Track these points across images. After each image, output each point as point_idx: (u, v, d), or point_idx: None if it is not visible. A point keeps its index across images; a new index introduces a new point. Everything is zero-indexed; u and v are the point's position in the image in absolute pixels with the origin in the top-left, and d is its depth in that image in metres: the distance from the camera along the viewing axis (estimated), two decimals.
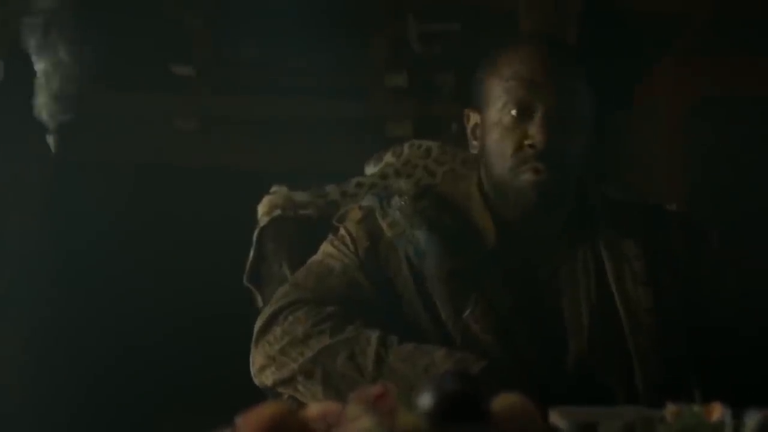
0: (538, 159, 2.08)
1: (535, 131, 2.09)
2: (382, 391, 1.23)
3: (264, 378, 2.11)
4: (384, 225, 2.20)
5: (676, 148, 3.44)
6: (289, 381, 2.07)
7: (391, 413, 1.17)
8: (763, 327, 2.24)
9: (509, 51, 2.17)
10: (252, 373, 2.13)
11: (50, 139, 3.23)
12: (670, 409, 1.47)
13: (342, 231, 2.23)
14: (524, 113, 2.11)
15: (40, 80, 3.15)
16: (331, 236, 2.26)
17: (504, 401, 1.27)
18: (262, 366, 2.10)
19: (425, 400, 1.20)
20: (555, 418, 1.56)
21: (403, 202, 2.21)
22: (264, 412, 1.21)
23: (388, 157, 2.62)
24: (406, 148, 2.62)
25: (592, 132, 2.17)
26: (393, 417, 1.16)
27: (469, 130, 2.26)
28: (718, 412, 1.43)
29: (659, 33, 3.43)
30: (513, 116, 2.11)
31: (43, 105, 3.18)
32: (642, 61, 3.41)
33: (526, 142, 2.10)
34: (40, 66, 3.15)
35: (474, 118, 2.23)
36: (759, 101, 3.40)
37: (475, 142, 2.23)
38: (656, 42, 3.42)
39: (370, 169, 2.64)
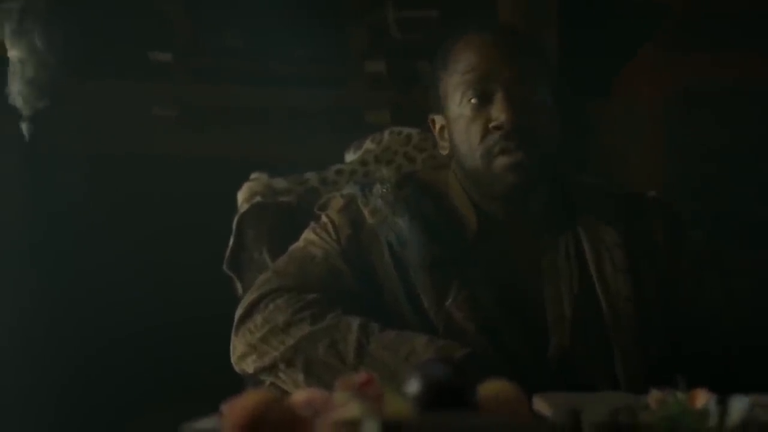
0: (506, 139, 2.09)
1: (498, 112, 2.09)
2: (367, 378, 1.23)
3: (245, 366, 2.10)
4: (366, 212, 2.20)
5: (657, 140, 3.44)
6: (270, 369, 2.07)
7: (378, 399, 1.16)
8: (743, 317, 2.25)
9: (458, 45, 2.17)
10: (233, 361, 2.13)
11: (24, 127, 3.21)
12: (654, 396, 1.47)
13: (324, 219, 2.23)
14: (484, 99, 2.12)
15: (14, 67, 3.13)
16: (313, 224, 2.25)
17: (491, 387, 1.27)
18: (243, 354, 2.10)
19: (413, 386, 1.20)
20: (539, 404, 1.56)
21: (385, 190, 2.21)
22: (250, 399, 1.21)
23: (368, 144, 2.62)
24: (386, 134, 2.62)
25: (558, 115, 2.17)
26: (380, 403, 1.16)
27: (437, 135, 2.26)
28: (702, 398, 1.43)
29: (641, 22, 3.43)
30: (474, 104, 2.12)
31: (17, 92, 3.15)
32: (623, 50, 3.41)
33: (491, 125, 2.10)
34: (14, 53, 3.13)
35: (439, 121, 2.24)
36: (742, 93, 3.41)
37: (444, 143, 2.23)
38: (637, 32, 3.42)
39: (350, 156, 2.64)
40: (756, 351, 2.20)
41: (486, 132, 2.11)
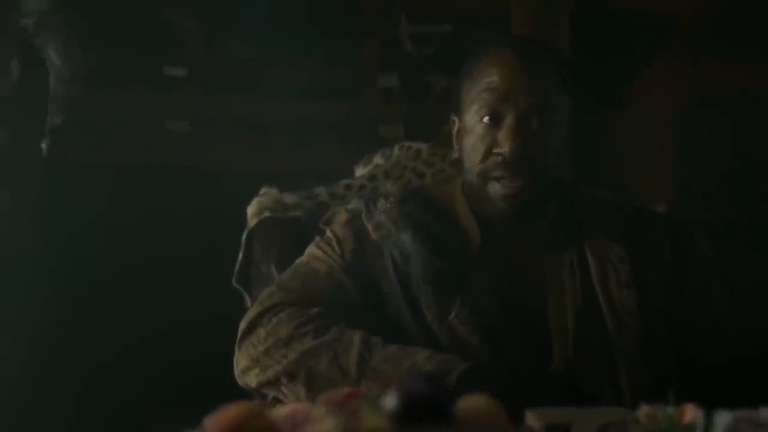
0: (506, 168, 2.09)
1: (503, 139, 2.09)
2: (350, 392, 1.24)
3: (248, 379, 2.12)
4: (370, 227, 2.21)
5: (668, 147, 3.44)
6: (273, 382, 2.08)
7: (356, 414, 1.17)
8: (748, 331, 2.25)
9: (484, 58, 2.17)
10: (236, 374, 2.14)
11: (43, 144, 3.23)
12: (644, 411, 1.47)
13: (328, 233, 2.24)
14: (496, 120, 2.11)
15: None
16: (317, 238, 2.26)
17: (469, 402, 1.27)
18: (246, 367, 2.11)
19: (390, 400, 1.21)
20: (531, 419, 1.56)
21: (388, 205, 2.22)
22: (230, 412, 1.22)
23: (378, 159, 2.63)
24: (395, 149, 2.63)
25: (569, 133, 2.17)
26: (357, 418, 1.16)
27: (453, 135, 2.26)
28: (690, 413, 1.43)
29: (653, 33, 3.43)
30: (485, 123, 2.12)
31: None
32: (635, 61, 3.41)
33: (495, 150, 2.11)
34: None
35: (457, 122, 2.24)
36: (753, 100, 3.40)
37: (457, 146, 2.23)
38: (649, 42, 3.42)
39: (360, 171, 2.64)
40: (763, 363, 2.20)
41: (489, 154, 2.12)
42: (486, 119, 2.12)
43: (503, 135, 2.09)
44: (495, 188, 2.11)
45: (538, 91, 2.12)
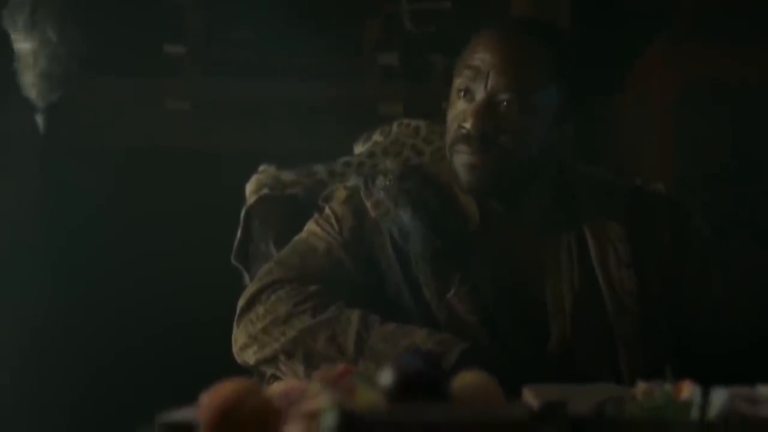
0: (466, 142, 2.10)
1: (468, 114, 2.10)
2: (345, 369, 1.24)
3: (246, 357, 2.12)
4: (369, 204, 2.21)
5: (668, 132, 3.43)
6: (271, 360, 2.09)
7: (351, 391, 1.17)
8: (747, 312, 2.25)
9: (475, 38, 2.18)
10: (234, 352, 2.14)
11: (39, 120, 3.23)
12: (641, 388, 1.47)
13: (327, 211, 2.24)
14: (469, 97, 2.13)
15: (27, 59, 3.14)
16: (316, 215, 2.27)
17: (465, 380, 1.27)
18: (245, 345, 2.11)
19: (385, 378, 1.21)
20: (528, 396, 1.56)
21: (387, 182, 2.22)
22: (225, 389, 1.22)
23: (377, 136, 2.62)
24: (394, 127, 2.62)
25: (562, 117, 2.16)
26: (352, 395, 1.16)
27: None
28: (687, 390, 1.43)
29: (653, 17, 3.42)
30: (461, 99, 2.14)
31: (30, 84, 3.17)
32: (635, 44, 3.40)
33: (461, 124, 2.12)
34: (27, 45, 3.14)
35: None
36: (753, 86, 3.40)
37: None
38: (650, 26, 3.41)
39: (359, 149, 2.64)
40: (760, 347, 2.20)
41: (458, 128, 2.12)
42: (461, 94, 2.13)
43: (469, 110, 2.11)
44: (459, 158, 2.13)
45: (517, 72, 2.11)
